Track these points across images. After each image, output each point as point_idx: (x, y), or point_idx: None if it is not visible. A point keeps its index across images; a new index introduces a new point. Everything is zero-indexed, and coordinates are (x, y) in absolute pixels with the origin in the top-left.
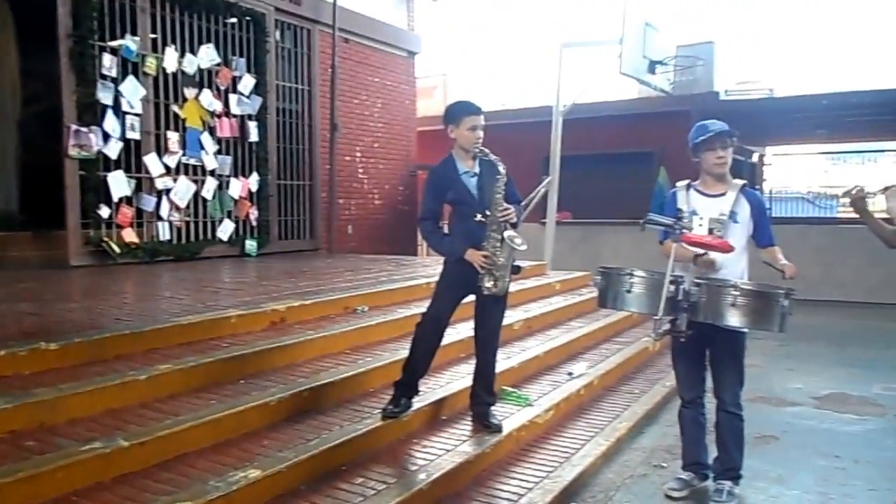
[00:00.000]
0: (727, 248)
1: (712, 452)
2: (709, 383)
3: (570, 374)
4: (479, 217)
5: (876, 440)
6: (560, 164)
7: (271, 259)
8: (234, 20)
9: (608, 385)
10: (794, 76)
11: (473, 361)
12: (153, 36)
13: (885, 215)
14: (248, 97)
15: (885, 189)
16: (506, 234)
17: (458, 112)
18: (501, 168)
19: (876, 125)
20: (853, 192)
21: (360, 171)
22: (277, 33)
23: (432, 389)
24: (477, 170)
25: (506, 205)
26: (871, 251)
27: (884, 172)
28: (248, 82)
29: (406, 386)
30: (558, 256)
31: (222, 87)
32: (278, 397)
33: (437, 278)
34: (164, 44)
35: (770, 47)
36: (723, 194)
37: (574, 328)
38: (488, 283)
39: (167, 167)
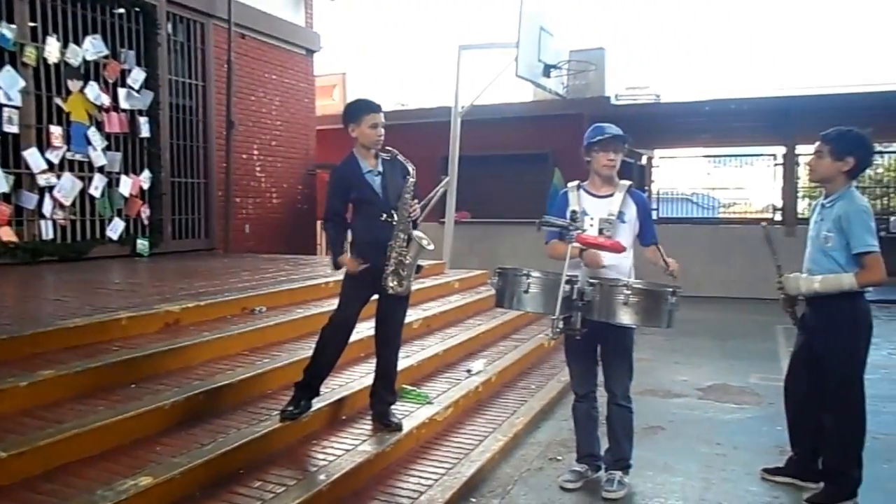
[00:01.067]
0: (620, 249)
1: (604, 444)
2: (600, 378)
3: (468, 371)
4: (384, 217)
5: (753, 427)
6: (458, 164)
7: (165, 259)
8: (121, 11)
9: (506, 381)
10: (680, 83)
11: (374, 360)
12: (32, 24)
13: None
14: (138, 91)
15: (781, 277)
16: (414, 233)
17: (358, 110)
18: (411, 168)
19: (753, 131)
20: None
21: (258, 169)
22: (169, 26)
23: (332, 389)
24: (380, 169)
25: (413, 204)
26: (749, 250)
27: (759, 174)
28: (137, 76)
29: (307, 388)
30: (457, 255)
31: (110, 81)
32: (172, 401)
33: (337, 278)
34: (46, 33)
35: (657, 55)
36: (611, 195)
37: (473, 326)
38: (392, 283)
39: (50, 163)
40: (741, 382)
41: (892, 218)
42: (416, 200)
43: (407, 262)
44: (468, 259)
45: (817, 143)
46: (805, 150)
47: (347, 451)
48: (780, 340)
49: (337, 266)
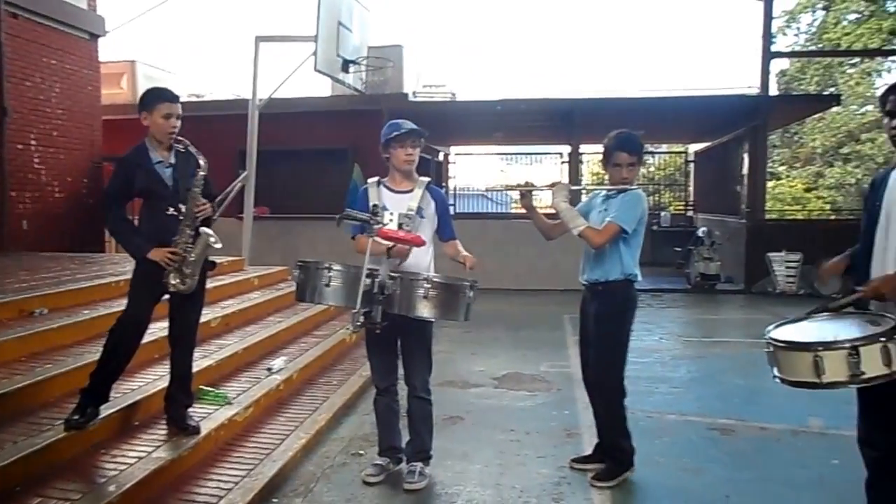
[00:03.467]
0: (420, 242)
1: (406, 436)
2: (401, 371)
3: (269, 369)
4: (171, 210)
5: (544, 413)
6: (257, 158)
7: None
8: None
9: (308, 378)
10: (474, 82)
11: (168, 362)
12: None
13: (551, 210)
14: None
15: (552, 185)
16: (201, 230)
17: (152, 98)
18: (202, 161)
19: (541, 130)
20: (523, 184)
21: (37, 160)
22: None
23: (124, 394)
24: (172, 160)
25: (203, 200)
26: (540, 244)
27: (547, 172)
28: None
29: (95, 394)
30: (256, 252)
31: None
32: None
33: (128, 276)
34: None
35: (452, 54)
36: (410, 191)
37: (273, 323)
38: (174, 281)
39: None
40: (533, 371)
41: (663, 213)
42: (208, 196)
43: (191, 259)
44: (268, 255)
45: (624, 155)
46: (588, 150)
47: (140, 458)
48: (567, 329)
49: (142, 252)
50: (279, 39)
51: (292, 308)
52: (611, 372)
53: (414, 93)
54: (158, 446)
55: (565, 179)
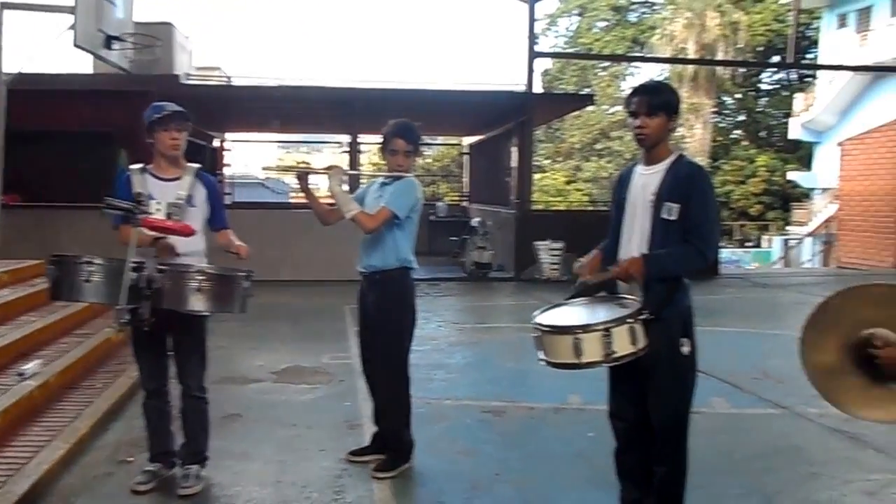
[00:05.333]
0: (189, 232)
1: (180, 439)
2: (173, 370)
3: (21, 374)
4: None
5: (325, 405)
6: (6, 139)
7: None
8: None
9: (68, 382)
10: (254, 67)
11: None
12: None
13: (331, 199)
14: None
15: (328, 168)
16: None
17: None
18: None
19: (321, 118)
20: (299, 166)
21: None
22: None
23: None
24: None
25: None
26: (320, 234)
27: (327, 160)
28: None
29: None
30: (6, 244)
31: None
32: None
33: None
34: None
35: (228, 37)
36: (178, 178)
37: (26, 323)
38: None
39: None
40: (314, 363)
41: (439, 203)
42: None
43: None
44: (20, 248)
45: (401, 142)
46: (367, 140)
47: None
48: (348, 320)
49: None
50: (29, 8)
51: (50, 306)
52: (395, 361)
53: (186, 75)
54: None
55: (344, 166)
